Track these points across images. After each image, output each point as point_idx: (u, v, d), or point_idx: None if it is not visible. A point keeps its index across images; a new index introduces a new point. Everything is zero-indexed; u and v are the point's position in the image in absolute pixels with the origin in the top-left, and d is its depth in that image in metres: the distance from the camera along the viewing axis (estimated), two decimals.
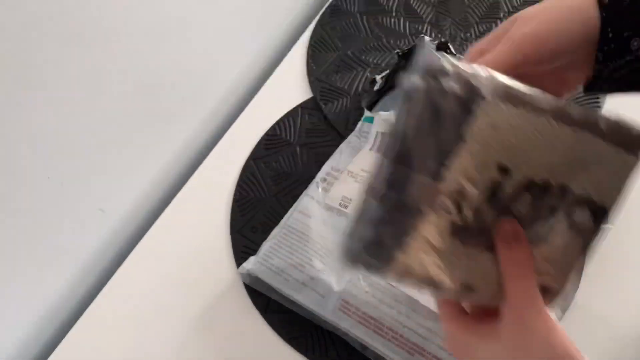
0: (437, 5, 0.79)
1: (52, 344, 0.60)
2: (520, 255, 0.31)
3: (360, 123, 0.65)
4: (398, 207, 0.30)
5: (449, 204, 0.30)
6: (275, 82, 0.76)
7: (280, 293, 0.56)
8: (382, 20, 0.79)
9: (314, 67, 0.75)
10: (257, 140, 0.70)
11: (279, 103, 0.73)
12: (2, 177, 0.49)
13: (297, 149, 0.69)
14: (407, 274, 0.30)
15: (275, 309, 0.58)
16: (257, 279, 0.58)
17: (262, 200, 0.65)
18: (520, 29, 0.34)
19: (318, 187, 0.60)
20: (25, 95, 0.48)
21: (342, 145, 0.65)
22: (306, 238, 0.57)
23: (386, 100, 0.68)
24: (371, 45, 0.76)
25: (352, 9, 0.80)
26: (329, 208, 0.58)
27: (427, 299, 0.50)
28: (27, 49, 0.46)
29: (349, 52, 0.76)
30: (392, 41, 0.76)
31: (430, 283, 0.30)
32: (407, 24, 0.78)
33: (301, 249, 0.56)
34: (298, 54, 0.77)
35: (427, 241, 0.30)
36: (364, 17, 0.79)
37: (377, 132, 0.61)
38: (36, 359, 0.62)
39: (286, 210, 0.63)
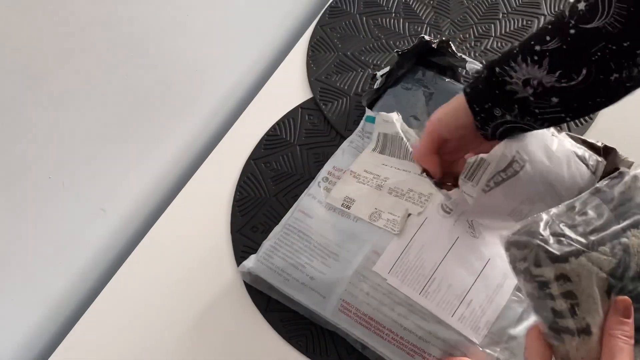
0: (436, 6, 0.80)
1: (54, 344, 0.60)
2: (624, 329, 0.35)
3: (362, 122, 0.65)
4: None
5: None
6: (275, 82, 0.76)
7: (281, 292, 0.57)
8: (382, 20, 0.79)
9: (314, 68, 0.76)
10: (257, 140, 0.70)
11: (279, 103, 0.73)
12: (3, 177, 0.49)
13: (297, 149, 0.69)
14: None
15: (276, 308, 0.58)
16: (257, 278, 0.58)
17: (262, 200, 0.66)
18: (429, 123, 0.48)
19: (320, 187, 0.61)
20: (27, 95, 0.48)
21: (344, 145, 0.65)
22: (307, 238, 0.57)
23: (388, 98, 0.68)
24: (370, 45, 0.77)
25: (352, 10, 0.81)
26: (331, 208, 0.58)
27: (426, 302, 0.50)
28: (28, 49, 0.46)
29: (348, 53, 0.76)
30: (391, 42, 0.76)
31: None
32: (407, 24, 0.78)
33: (301, 249, 0.57)
34: (298, 55, 0.78)
35: None
36: (364, 18, 0.80)
37: (380, 134, 0.61)
38: (37, 358, 0.62)
39: (286, 210, 0.63)
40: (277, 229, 0.60)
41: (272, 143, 0.70)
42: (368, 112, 0.65)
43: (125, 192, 0.66)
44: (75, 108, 0.53)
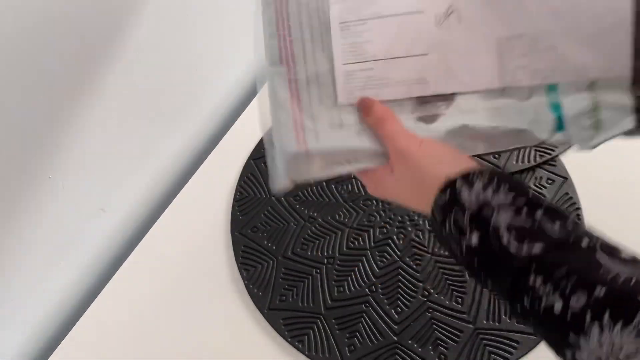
0: None
1: (54, 344, 0.60)
2: (378, 110, 0.39)
3: None
4: None
5: None
6: None
7: None
8: None
9: None
10: (257, 140, 0.70)
11: None
12: (3, 177, 0.49)
13: None
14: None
15: (276, 307, 0.58)
16: None
17: (262, 200, 0.66)
18: None
19: None
20: (26, 96, 0.48)
21: None
22: None
23: None
24: None
25: None
26: None
27: None
28: (28, 49, 0.46)
29: None
30: None
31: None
32: None
33: None
34: None
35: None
36: None
37: None
38: (37, 358, 0.62)
39: (286, 211, 0.63)
40: None
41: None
42: None
43: (125, 192, 0.66)
44: (75, 108, 0.53)
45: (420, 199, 0.36)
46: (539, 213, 0.31)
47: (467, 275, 0.58)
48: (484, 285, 0.34)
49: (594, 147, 0.39)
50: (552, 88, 0.39)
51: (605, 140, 0.38)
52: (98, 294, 0.62)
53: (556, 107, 0.40)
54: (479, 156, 0.45)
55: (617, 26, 0.34)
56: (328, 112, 0.42)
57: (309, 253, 0.61)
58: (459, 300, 0.57)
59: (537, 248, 0.30)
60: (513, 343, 0.54)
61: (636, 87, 0.36)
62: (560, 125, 0.40)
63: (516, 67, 0.39)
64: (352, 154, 0.41)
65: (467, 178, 0.33)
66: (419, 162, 0.36)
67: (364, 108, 0.40)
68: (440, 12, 0.40)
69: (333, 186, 0.65)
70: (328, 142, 0.42)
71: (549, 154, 0.63)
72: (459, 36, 0.40)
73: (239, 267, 0.61)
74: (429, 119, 0.41)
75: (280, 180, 0.43)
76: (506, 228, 0.31)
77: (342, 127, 0.42)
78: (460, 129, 0.40)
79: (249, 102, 0.74)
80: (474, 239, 0.32)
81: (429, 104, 0.41)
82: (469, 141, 0.41)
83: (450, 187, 0.33)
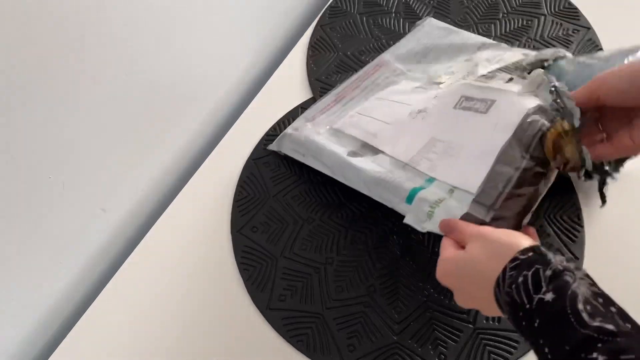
0: (436, 5, 0.80)
1: (54, 344, 0.60)
2: (452, 223, 0.47)
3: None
4: None
5: None
6: (275, 82, 0.76)
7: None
8: (382, 20, 0.79)
9: (314, 68, 0.76)
10: (257, 140, 0.70)
11: (279, 103, 0.73)
12: (3, 177, 0.49)
13: None
14: None
15: (276, 307, 0.58)
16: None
17: (262, 200, 0.66)
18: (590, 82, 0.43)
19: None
20: (27, 96, 0.48)
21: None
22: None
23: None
24: (370, 45, 0.77)
25: (352, 10, 0.81)
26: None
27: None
28: (29, 51, 0.46)
29: (348, 53, 0.76)
30: (391, 42, 0.76)
31: None
32: (407, 24, 0.78)
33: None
34: (298, 55, 0.78)
35: None
36: (364, 18, 0.80)
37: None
38: (37, 358, 0.62)
39: (286, 211, 0.63)
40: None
41: (272, 143, 0.70)
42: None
43: (125, 192, 0.66)
44: (76, 107, 0.53)
45: (495, 266, 0.38)
46: (612, 308, 0.32)
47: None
48: (535, 347, 0.34)
49: (423, 230, 0.50)
50: (431, 180, 0.53)
51: (430, 230, 0.50)
52: (98, 294, 0.62)
53: (417, 189, 0.53)
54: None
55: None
56: (322, 127, 0.66)
57: (309, 253, 0.61)
58: None
59: (610, 327, 0.30)
60: (513, 343, 0.54)
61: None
62: (409, 199, 0.53)
63: (425, 157, 0.55)
64: (307, 151, 0.64)
65: (549, 248, 0.37)
66: (495, 236, 0.41)
67: (447, 228, 0.48)
68: (417, 109, 0.60)
69: (333, 186, 0.65)
70: (302, 137, 0.65)
71: None
72: (415, 125, 0.59)
73: (239, 267, 0.61)
74: (357, 155, 0.61)
75: (274, 145, 0.69)
76: (584, 300, 0.32)
77: (318, 135, 0.65)
78: (360, 167, 0.58)
79: (249, 102, 0.74)
80: (550, 295, 0.33)
81: (367, 148, 0.61)
82: (356, 178, 0.59)
83: (533, 249, 0.37)
